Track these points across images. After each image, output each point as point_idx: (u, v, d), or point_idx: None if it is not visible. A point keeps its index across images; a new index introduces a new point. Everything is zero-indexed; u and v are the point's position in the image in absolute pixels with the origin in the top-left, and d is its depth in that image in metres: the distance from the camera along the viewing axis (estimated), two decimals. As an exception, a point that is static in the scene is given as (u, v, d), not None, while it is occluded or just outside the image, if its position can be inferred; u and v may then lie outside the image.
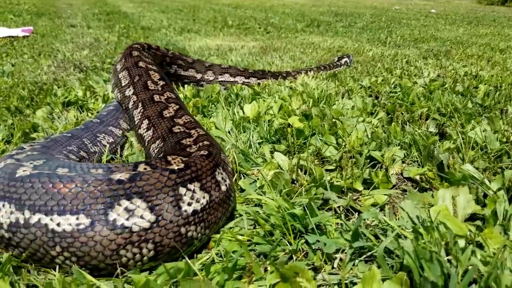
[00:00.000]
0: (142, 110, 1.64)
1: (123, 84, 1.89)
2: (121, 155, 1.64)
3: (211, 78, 2.84)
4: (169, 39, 5.20)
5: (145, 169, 0.96)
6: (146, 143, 1.51)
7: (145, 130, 1.54)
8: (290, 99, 2.34)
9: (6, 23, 6.13)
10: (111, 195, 0.87)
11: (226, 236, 1.04)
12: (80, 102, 2.27)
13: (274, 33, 6.36)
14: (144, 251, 0.88)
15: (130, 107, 1.76)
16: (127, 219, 0.87)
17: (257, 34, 6.16)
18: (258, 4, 12.77)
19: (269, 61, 3.88)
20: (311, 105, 2.21)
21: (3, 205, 0.89)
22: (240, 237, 1.03)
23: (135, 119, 1.66)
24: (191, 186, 0.97)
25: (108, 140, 1.63)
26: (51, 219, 0.85)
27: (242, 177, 1.41)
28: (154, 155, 1.42)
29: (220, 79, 2.87)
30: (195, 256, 1.01)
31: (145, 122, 1.57)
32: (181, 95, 2.36)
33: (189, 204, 0.95)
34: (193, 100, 2.26)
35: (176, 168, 0.97)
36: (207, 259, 0.98)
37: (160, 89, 1.75)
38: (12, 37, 4.98)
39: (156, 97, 1.66)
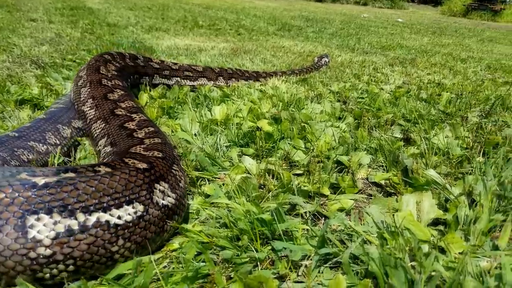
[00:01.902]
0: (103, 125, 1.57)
1: (81, 98, 1.80)
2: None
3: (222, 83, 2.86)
4: (135, 36, 5.07)
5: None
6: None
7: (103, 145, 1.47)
8: (260, 102, 2.32)
9: (-39, 14, 5.77)
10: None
11: (189, 236, 1.01)
12: (35, 100, 2.14)
13: (245, 35, 6.35)
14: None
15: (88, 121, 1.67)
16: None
17: (228, 36, 6.12)
18: (229, 5, 12.73)
19: (240, 63, 3.86)
20: (281, 109, 2.20)
21: None
22: (204, 238, 1.00)
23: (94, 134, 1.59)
24: None
25: (28, 157, 1.41)
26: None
27: (208, 182, 1.38)
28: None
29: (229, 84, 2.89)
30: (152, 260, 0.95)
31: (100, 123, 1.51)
32: (146, 95, 2.29)
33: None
34: (159, 101, 2.19)
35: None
36: (165, 266, 0.94)
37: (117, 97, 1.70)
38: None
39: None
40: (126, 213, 0.89)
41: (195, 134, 1.76)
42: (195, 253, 0.92)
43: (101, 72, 1.93)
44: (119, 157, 1.11)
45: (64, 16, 6.74)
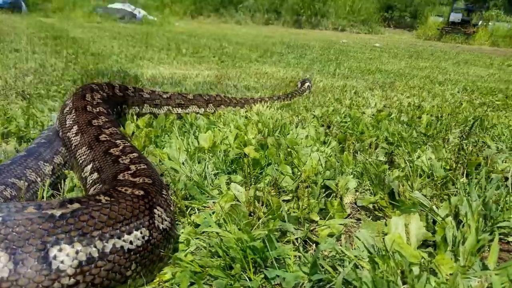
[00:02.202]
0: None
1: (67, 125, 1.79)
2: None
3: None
4: (120, 66, 5.09)
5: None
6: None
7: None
8: (245, 128, 2.35)
9: None
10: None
11: (182, 266, 1.00)
12: (21, 132, 2.12)
13: (229, 62, 6.45)
14: None
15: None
16: None
17: (212, 63, 6.21)
18: (211, 33, 12.97)
19: (224, 90, 3.91)
20: (267, 135, 2.23)
21: None
22: (197, 268, 0.99)
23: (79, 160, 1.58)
24: None
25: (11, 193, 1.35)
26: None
27: (197, 211, 1.37)
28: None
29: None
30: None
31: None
32: (133, 125, 2.29)
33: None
34: (145, 130, 2.20)
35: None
36: None
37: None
38: None
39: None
40: (136, 238, 0.93)
41: (183, 163, 1.76)
42: (188, 283, 0.92)
43: (87, 99, 1.94)
44: (110, 185, 1.12)
45: (47, 46, 6.74)
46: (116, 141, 1.54)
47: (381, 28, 24.93)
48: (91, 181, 1.39)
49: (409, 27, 25.59)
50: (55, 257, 0.80)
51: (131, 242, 0.91)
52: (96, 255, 0.84)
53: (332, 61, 7.41)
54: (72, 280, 0.81)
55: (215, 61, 6.52)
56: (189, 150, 1.90)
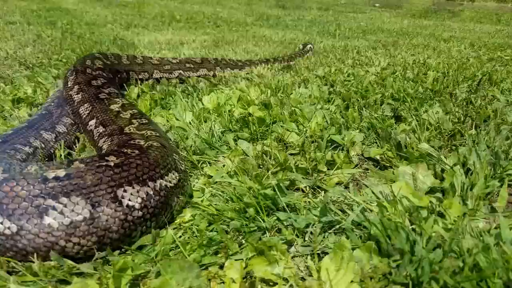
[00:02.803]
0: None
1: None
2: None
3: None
4: (116, 34, 5.00)
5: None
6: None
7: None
8: (248, 89, 2.33)
9: None
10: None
11: (200, 209, 1.05)
12: (30, 99, 2.15)
13: (225, 27, 6.32)
14: None
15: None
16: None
17: (207, 28, 6.09)
18: (204, -1, 12.63)
19: (223, 54, 3.86)
20: (270, 95, 2.22)
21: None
22: (213, 211, 1.05)
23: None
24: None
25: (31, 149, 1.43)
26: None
27: (208, 165, 1.40)
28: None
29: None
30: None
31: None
32: (136, 89, 2.29)
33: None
34: (150, 94, 2.19)
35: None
36: (180, 236, 0.99)
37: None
38: None
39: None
40: (173, 177, 1.10)
41: (189, 122, 1.77)
42: (207, 224, 0.96)
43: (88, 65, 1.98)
44: (123, 142, 1.23)
45: (41, 17, 6.60)
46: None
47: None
48: (98, 134, 1.47)
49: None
50: (123, 197, 0.95)
51: (170, 181, 1.08)
52: (151, 192, 1.00)
53: (331, 22, 7.26)
54: (140, 213, 0.97)
55: (211, 26, 6.39)
56: (194, 111, 1.90)
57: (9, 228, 0.85)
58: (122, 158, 1.02)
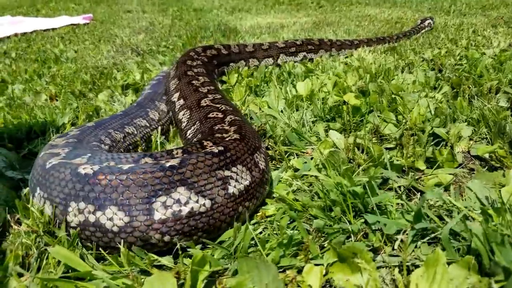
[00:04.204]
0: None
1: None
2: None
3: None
4: (220, 19, 5.21)
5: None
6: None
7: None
8: (345, 75, 2.26)
9: (68, 12, 6.49)
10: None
11: (284, 204, 1.05)
12: (137, 85, 2.36)
13: (328, 7, 6.14)
14: None
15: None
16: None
17: (310, 9, 5.98)
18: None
19: (323, 36, 3.76)
20: (368, 81, 2.12)
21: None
22: (298, 207, 1.04)
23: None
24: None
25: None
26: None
27: (295, 157, 1.40)
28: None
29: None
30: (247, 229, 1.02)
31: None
32: (236, 75, 2.37)
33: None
34: (246, 80, 2.25)
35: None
36: (260, 232, 0.99)
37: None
38: (74, 24, 5.28)
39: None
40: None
41: (281, 111, 1.78)
42: (288, 221, 0.96)
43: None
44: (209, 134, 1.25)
45: (155, 5, 7.19)
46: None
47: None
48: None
49: None
50: (230, 183, 0.97)
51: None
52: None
53: (446, -3, 6.56)
54: (238, 200, 0.99)
55: (313, 7, 6.26)
56: (287, 98, 1.91)
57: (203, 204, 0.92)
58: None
